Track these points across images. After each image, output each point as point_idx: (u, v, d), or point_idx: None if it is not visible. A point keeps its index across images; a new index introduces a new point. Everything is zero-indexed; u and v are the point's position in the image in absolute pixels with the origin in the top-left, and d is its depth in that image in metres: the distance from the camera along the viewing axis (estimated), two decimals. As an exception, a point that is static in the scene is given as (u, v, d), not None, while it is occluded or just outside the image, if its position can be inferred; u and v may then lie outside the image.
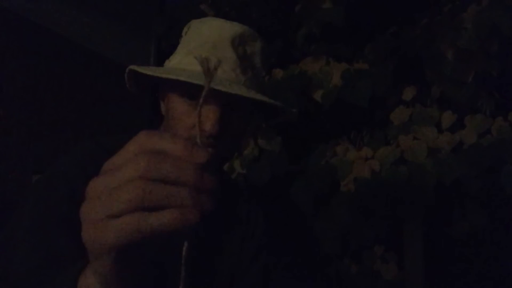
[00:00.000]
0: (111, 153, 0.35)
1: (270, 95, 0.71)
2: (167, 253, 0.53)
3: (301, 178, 1.73)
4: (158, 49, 2.48)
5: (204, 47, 0.68)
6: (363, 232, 1.64)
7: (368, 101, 1.67)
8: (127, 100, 2.15)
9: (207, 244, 0.77)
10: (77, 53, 1.95)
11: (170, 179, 0.32)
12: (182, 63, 0.69)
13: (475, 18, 1.55)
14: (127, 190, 0.31)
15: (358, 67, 1.76)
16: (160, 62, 2.56)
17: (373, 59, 1.76)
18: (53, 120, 1.79)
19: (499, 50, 1.56)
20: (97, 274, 0.37)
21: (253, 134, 1.81)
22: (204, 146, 0.35)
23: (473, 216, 1.59)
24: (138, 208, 0.31)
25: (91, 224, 0.33)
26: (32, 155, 1.68)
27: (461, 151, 1.56)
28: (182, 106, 0.68)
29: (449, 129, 1.62)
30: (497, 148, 1.50)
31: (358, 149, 1.73)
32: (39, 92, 1.74)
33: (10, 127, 1.60)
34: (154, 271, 0.63)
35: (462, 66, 1.58)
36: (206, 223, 0.34)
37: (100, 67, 2.08)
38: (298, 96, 1.77)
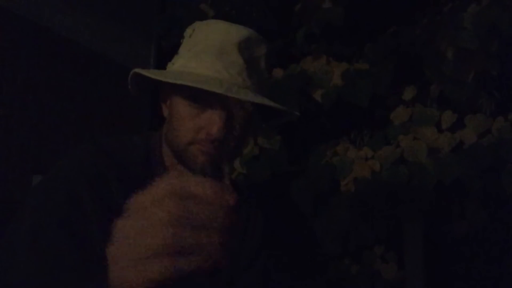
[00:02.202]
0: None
1: (271, 95, 0.71)
2: None
3: (301, 177, 1.72)
4: (158, 49, 2.47)
5: (210, 51, 0.68)
6: (363, 232, 1.64)
7: (368, 101, 1.67)
8: (128, 100, 2.15)
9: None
10: (77, 53, 1.95)
11: (200, 223, 0.31)
12: (188, 66, 0.68)
13: (475, 18, 1.54)
14: (156, 235, 0.31)
15: (358, 67, 1.76)
16: (160, 62, 2.57)
17: (373, 59, 1.75)
18: (53, 120, 1.79)
19: (499, 50, 1.55)
20: None
21: (253, 133, 1.81)
22: (230, 187, 0.35)
23: (473, 216, 1.59)
24: (167, 253, 0.31)
25: (118, 266, 0.32)
26: (32, 155, 1.68)
27: (461, 151, 1.56)
28: (186, 109, 0.67)
29: (449, 129, 1.62)
30: (497, 148, 1.50)
31: (358, 149, 1.72)
32: (39, 92, 1.73)
33: (10, 127, 1.60)
34: None
35: (462, 66, 1.57)
36: None
37: (100, 67, 2.07)
38: (298, 95, 1.77)
